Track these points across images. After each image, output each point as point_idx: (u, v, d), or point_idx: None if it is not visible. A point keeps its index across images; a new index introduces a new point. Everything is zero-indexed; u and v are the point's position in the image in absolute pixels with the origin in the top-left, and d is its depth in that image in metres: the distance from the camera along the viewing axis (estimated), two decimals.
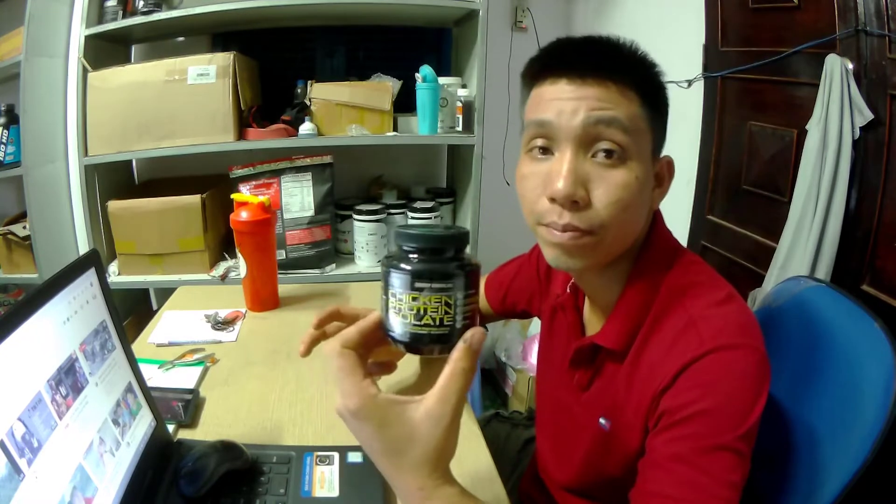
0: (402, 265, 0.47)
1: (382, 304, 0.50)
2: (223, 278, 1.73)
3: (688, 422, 0.54)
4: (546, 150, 0.60)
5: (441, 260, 0.48)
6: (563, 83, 0.58)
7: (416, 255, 0.48)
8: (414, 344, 0.49)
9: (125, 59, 1.97)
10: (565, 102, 0.57)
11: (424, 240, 0.48)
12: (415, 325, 0.48)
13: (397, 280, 0.47)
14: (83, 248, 2.00)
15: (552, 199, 0.58)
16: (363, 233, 1.84)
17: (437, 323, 0.47)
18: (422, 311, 0.47)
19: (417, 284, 0.47)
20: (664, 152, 0.65)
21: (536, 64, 0.62)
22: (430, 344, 0.48)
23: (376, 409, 0.46)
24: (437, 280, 0.47)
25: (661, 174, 0.64)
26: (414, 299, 0.47)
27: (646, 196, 0.61)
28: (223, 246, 1.88)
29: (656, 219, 0.68)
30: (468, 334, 0.48)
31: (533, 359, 1.97)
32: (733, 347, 0.56)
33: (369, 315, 0.52)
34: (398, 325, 0.48)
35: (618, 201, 0.57)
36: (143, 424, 0.66)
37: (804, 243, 1.24)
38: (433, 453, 0.47)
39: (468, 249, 0.51)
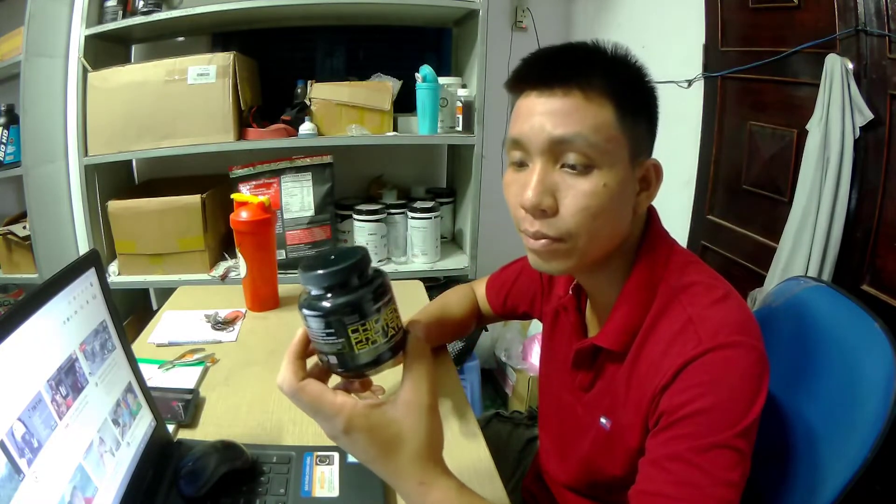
0: (314, 308, 0.47)
1: (313, 343, 0.50)
2: (223, 278, 1.73)
3: (686, 421, 0.54)
4: (523, 163, 0.62)
5: (348, 291, 0.46)
6: (534, 96, 0.60)
7: (323, 293, 0.47)
8: (359, 371, 0.50)
9: (125, 59, 1.97)
10: (535, 118, 0.59)
11: (325, 278, 0.46)
12: (351, 355, 0.48)
13: (315, 323, 0.47)
14: (83, 248, 2.00)
15: (524, 208, 0.60)
16: (363, 233, 1.84)
17: (372, 344, 0.48)
18: (353, 342, 0.47)
19: (332, 322, 0.47)
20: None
21: (512, 78, 0.64)
22: (374, 365, 0.49)
23: (362, 418, 0.48)
24: (350, 315, 0.46)
25: (648, 177, 0.63)
26: (350, 332, 0.47)
27: (621, 202, 0.61)
28: (223, 246, 1.88)
29: (652, 219, 0.68)
30: (412, 327, 0.53)
31: (533, 359, 1.97)
32: (732, 346, 0.56)
33: (296, 335, 0.52)
34: (334, 360, 0.49)
35: (584, 209, 0.58)
36: (143, 424, 0.66)
37: (808, 245, 1.24)
38: (425, 445, 0.50)
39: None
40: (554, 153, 0.59)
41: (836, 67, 1.18)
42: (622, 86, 0.59)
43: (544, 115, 0.59)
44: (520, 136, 0.61)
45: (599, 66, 0.59)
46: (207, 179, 1.85)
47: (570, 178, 0.59)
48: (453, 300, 1.01)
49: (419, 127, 1.81)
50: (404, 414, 0.49)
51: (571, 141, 0.57)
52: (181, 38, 2.03)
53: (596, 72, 0.58)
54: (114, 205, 1.70)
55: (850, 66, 1.18)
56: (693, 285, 0.62)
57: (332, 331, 0.47)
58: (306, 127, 1.73)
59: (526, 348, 2.02)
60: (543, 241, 0.61)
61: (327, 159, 1.74)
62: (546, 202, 0.59)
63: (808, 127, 1.24)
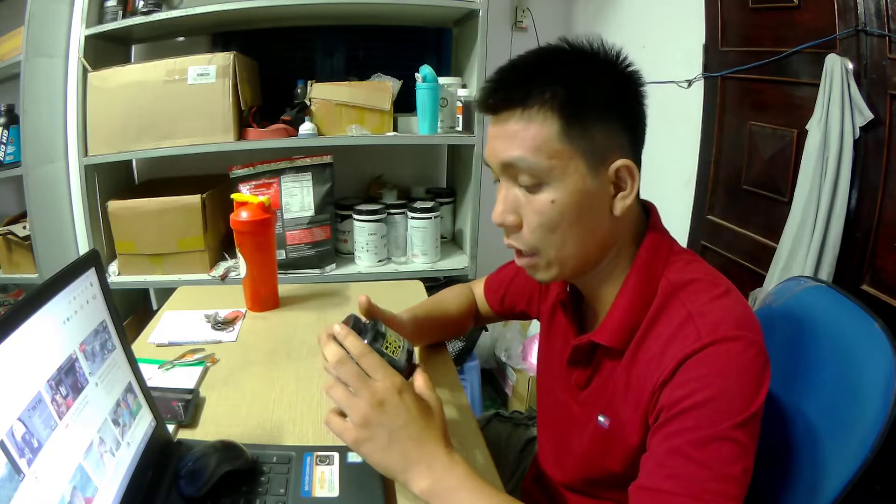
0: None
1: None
2: (223, 278, 1.73)
3: (686, 414, 0.54)
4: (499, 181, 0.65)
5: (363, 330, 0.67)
6: (492, 122, 0.63)
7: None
8: (408, 361, 0.67)
9: (125, 59, 1.97)
10: (490, 142, 0.63)
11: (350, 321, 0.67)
12: (393, 360, 0.65)
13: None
14: (83, 248, 2.00)
15: None
16: (363, 233, 1.84)
17: (398, 347, 0.67)
18: (389, 353, 0.65)
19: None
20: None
21: (475, 104, 0.67)
22: (410, 359, 0.66)
23: (409, 384, 0.60)
24: (378, 338, 0.66)
25: (622, 178, 0.62)
26: (382, 349, 0.66)
27: (583, 211, 0.60)
28: (223, 246, 1.88)
29: (652, 218, 0.68)
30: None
31: (533, 359, 1.97)
32: (731, 339, 0.56)
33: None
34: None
35: (539, 225, 0.61)
36: (143, 424, 0.66)
37: (807, 244, 1.24)
38: (444, 421, 0.61)
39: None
40: (509, 174, 0.62)
41: (836, 67, 1.18)
42: (568, 94, 0.58)
43: (495, 139, 0.62)
44: (485, 159, 0.65)
45: (543, 79, 0.59)
46: (207, 179, 1.85)
47: (526, 196, 0.62)
48: (448, 297, 1.01)
49: (419, 127, 1.81)
50: (429, 396, 0.62)
51: (515, 164, 0.60)
52: (181, 38, 2.03)
53: (536, 88, 0.58)
54: (114, 205, 1.70)
55: (850, 66, 1.18)
56: (693, 282, 0.62)
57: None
58: (306, 127, 1.73)
59: (526, 348, 2.02)
60: (524, 258, 0.65)
61: (327, 159, 1.74)
62: (509, 219, 0.63)
63: (807, 127, 1.24)
